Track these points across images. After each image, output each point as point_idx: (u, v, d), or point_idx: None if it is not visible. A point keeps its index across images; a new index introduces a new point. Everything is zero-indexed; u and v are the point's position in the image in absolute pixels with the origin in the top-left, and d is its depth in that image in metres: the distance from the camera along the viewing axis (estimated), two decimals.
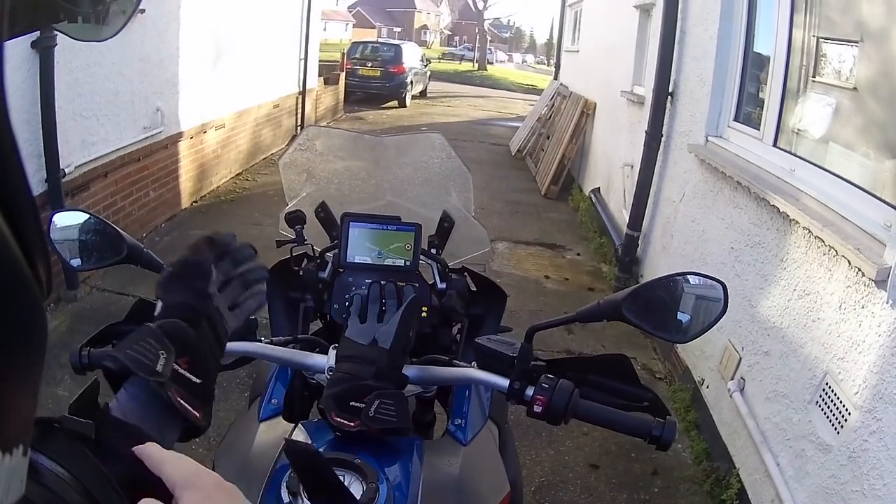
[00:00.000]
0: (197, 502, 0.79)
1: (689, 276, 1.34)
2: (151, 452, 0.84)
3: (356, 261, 1.81)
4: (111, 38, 0.78)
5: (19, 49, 4.35)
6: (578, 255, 7.75)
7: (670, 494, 3.75)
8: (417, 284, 1.81)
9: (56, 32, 4.37)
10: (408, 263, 1.80)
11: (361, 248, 1.81)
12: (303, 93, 12.56)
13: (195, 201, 8.14)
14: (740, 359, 3.77)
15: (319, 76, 14.36)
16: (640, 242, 6.46)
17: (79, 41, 0.76)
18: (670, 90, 5.86)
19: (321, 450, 1.36)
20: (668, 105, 5.92)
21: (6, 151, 0.40)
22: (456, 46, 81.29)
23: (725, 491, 3.59)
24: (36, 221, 0.42)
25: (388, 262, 1.80)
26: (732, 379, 3.81)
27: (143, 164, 6.60)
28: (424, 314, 1.83)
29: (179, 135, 7.43)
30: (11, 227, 0.39)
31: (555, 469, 3.89)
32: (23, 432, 0.45)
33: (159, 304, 1.05)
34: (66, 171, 4.98)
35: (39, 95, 4.56)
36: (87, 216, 1.55)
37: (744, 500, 3.46)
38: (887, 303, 2.44)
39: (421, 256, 1.85)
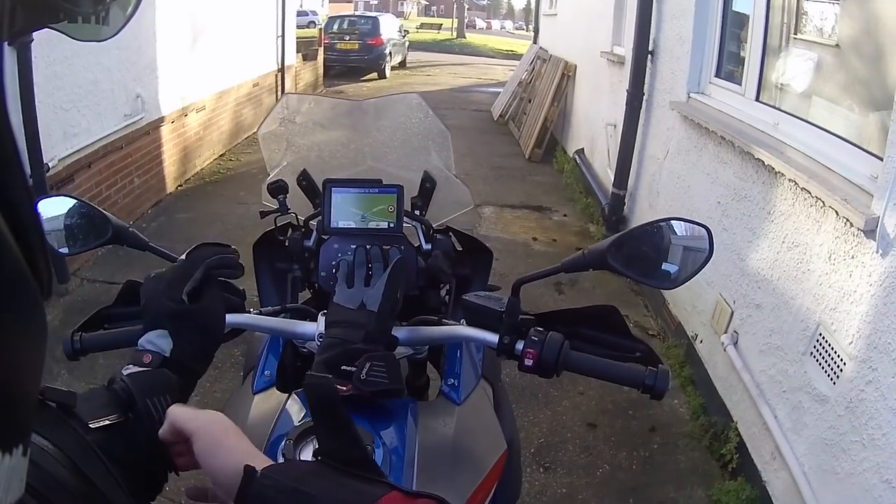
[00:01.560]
0: (206, 443, 0.91)
1: (673, 223, 1.33)
2: (174, 411, 0.96)
3: (340, 226, 1.79)
4: (111, 37, 0.78)
5: (5, 60, 4.30)
6: (565, 216, 7.77)
7: (669, 451, 3.78)
8: (403, 247, 1.79)
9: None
10: (392, 225, 1.78)
11: (345, 213, 1.79)
12: (282, 70, 12.49)
13: (180, 185, 8.10)
14: (732, 312, 3.79)
15: (297, 52, 14.27)
16: (626, 201, 6.48)
17: (79, 41, 0.75)
18: (650, 49, 5.85)
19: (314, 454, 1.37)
20: (649, 64, 5.91)
21: (6, 151, 0.40)
22: (433, 16, 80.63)
23: (724, 445, 3.62)
24: (35, 220, 0.43)
25: (372, 224, 1.78)
26: (725, 333, 3.83)
27: (126, 151, 6.56)
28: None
29: (161, 120, 7.38)
30: (11, 227, 0.40)
31: (553, 430, 3.92)
32: (22, 432, 0.45)
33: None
34: (50, 164, 4.95)
35: (19, 91, 4.52)
36: (71, 201, 1.55)
37: (743, 453, 3.49)
38: (877, 252, 2.45)
39: (405, 218, 1.83)
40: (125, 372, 1.01)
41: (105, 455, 0.84)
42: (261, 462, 0.88)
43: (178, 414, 0.95)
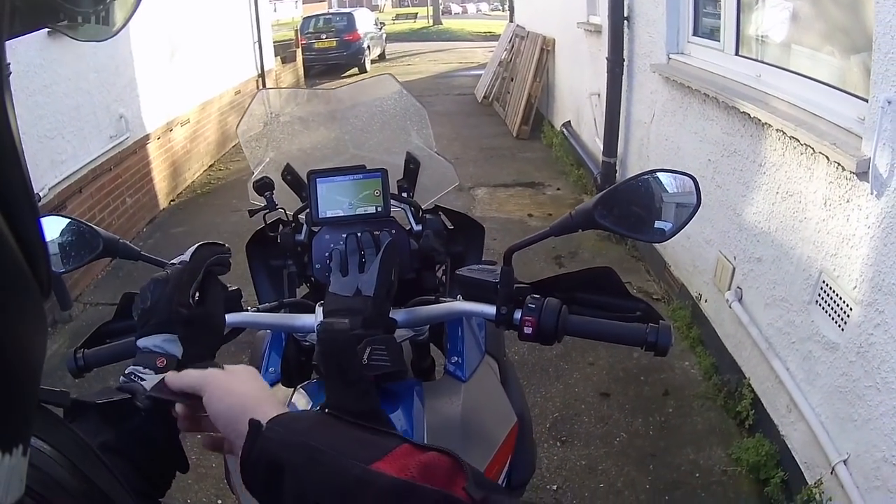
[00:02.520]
0: (214, 393, 0.91)
1: (658, 175, 1.31)
2: (170, 379, 0.96)
3: (328, 216, 1.79)
4: (111, 38, 0.78)
5: (5, 60, 4.30)
6: (558, 189, 7.78)
7: (685, 413, 3.79)
8: (393, 230, 1.79)
9: (8, 62, 4.33)
10: (380, 209, 1.78)
11: (332, 202, 1.79)
12: (262, 75, 12.49)
13: (172, 200, 8.10)
14: (734, 269, 3.79)
15: (276, 56, 14.25)
16: (617, 168, 6.48)
17: (79, 41, 0.75)
18: (626, 15, 5.84)
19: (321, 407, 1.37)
20: (626, 30, 5.90)
21: (7, 152, 0.40)
22: (408, 6, 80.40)
23: (739, 402, 3.62)
24: (35, 222, 0.43)
25: (360, 210, 1.78)
26: (729, 290, 3.83)
27: (116, 172, 6.56)
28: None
29: (146, 137, 7.37)
30: (11, 228, 0.40)
31: (567, 403, 3.92)
32: (22, 432, 0.45)
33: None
34: (41, 194, 4.95)
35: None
36: (62, 221, 1.55)
37: (759, 409, 3.50)
38: (871, 193, 2.44)
39: (393, 201, 1.84)
40: (139, 378, 1.01)
41: (118, 453, 0.84)
42: (270, 410, 0.87)
43: (187, 372, 0.95)
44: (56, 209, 5.28)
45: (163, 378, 0.96)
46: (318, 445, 0.81)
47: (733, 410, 3.67)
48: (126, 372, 1.05)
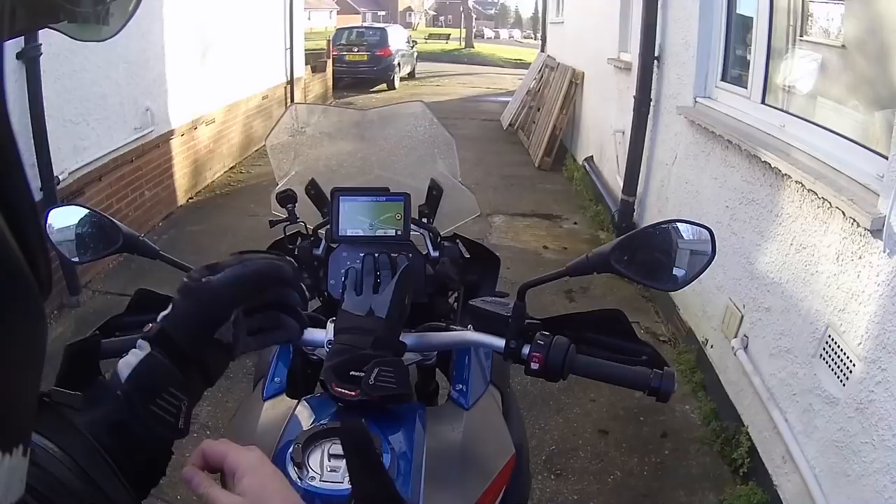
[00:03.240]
0: (255, 486, 0.86)
1: (678, 226, 1.32)
2: (212, 445, 0.93)
3: (348, 234, 1.80)
4: (111, 38, 0.78)
5: (5, 60, 4.34)
6: (575, 223, 7.76)
7: (681, 456, 3.77)
8: (411, 254, 1.81)
9: (40, 43, 4.36)
10: (399, 233, 1.80)
11: (353, 221, 1.80)
12: (291, 82, 12.55)
13: (191, 198, 8.14)
14: (742, 317, 3.78)
15: (306, 65, 14.34)
16: (635, 207, 6.47)
17: (79, 41, 0.75)
18: (656, 54, 5.85)
19: (324, 422, 1.37)
20: (655, 69, 5.90)
21: (6, 151, 0.41)
22: (441, 26, 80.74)
23: (736, 450, 3.60)
24: (35, 221, 0.43)
25: (380, 232, 1.80)
26: (736, 337, 3.82)
27: (137, 164, 6.60)
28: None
29: (171, 133, 7.43)
30: (11, 227, 0.40)
31: (564, 437, 3.91)
32: (23, 432, 0.45)
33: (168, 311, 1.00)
34: (61, 177, 4.98)
35: (28, 105, 4.55)
36: (81, 211, 1.55)
37: (754, 457, 3.48)
38: (884, 251, 2.44)
39: (413, 226, 1.85)
40: (121, 369, 0.93)
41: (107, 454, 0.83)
42: None
43: (219, 449, 0.92)
44: (74, 194, 5.32)
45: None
46: None
47: (729, 457, 3.65)
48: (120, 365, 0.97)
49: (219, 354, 1.00)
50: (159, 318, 0.98)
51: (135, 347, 0.93)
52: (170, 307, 0.99)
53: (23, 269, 0.41)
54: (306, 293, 1.09)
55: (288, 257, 1.13)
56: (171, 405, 0.90)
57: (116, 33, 0.78)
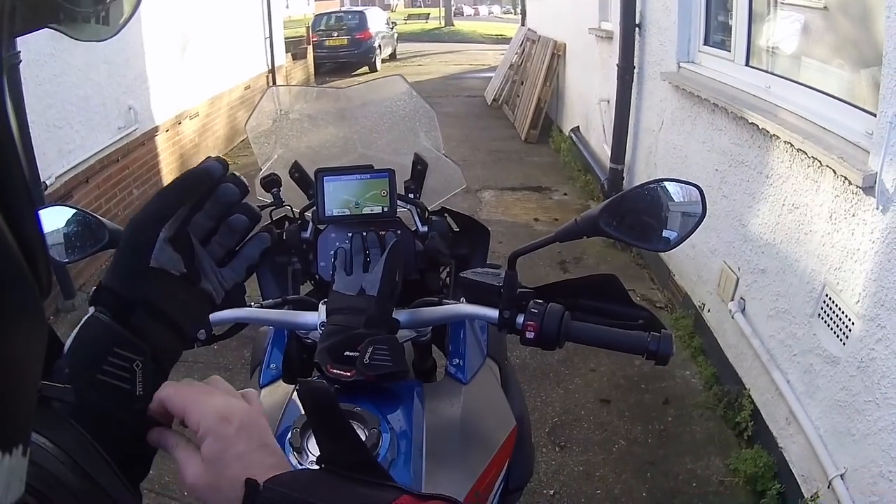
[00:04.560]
0: (215, 451, 0.80)
1: (666, 185, 1.31)
2: (170, 396, 0.82)
3: (335, 214, 1.79)
4: (111, 38, 0.77)
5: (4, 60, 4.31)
6: (565, 194, 7.78)
7: (684, 422, 3.78)
8: (399, 230, 1.81)
9: (18, 51, 4.33)
10: (386, 210, 1.78)
11: (338, 201, 1.79)
12: (272, 71, 12.52)
13: None
14: (738, 279, 3.79)
15: (287, 53, 14.28)
16: (624, 175, 6.48)
17: (79, 41, 0.74)
18: (637, 22, 5.85)
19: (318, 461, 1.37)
20: (637, 37, 5.90)
21: (5, 150, 0.40)
22: (420, 6, 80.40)
23: (739, 413, 3.61)
24: (35, 221, 0.43)
25: (367, 210, 1.78)
26: (732, 300, 3.83)
27: (123, 163, 6.57)
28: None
29: (155, 130, 7.40)
30: (11, 227, 0.40)
31: (566, 408, 3.92)
32: (22, 432, 0.45)
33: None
34: (48, 182, 4.96)
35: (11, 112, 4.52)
36: (69, 211, 1.55)
37: (758, 420, 3.49)
38: (877, 209, 2.43)
39: (399, 202, 1.84)
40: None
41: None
42: (265, 465, 0.81)
43: (178, 400, 0.82)
44: (63, 198, 5.29)
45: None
46: (319, 503, 0.78)
47: (733, 421, 3.66)
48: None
49: (172, 289, 0.88)
50: None
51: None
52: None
53: (23, 269, 0.41)
54: (246, 185, 0.92)
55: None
56: (119, 368, 0.81)
57: (116, 33, 0.77)
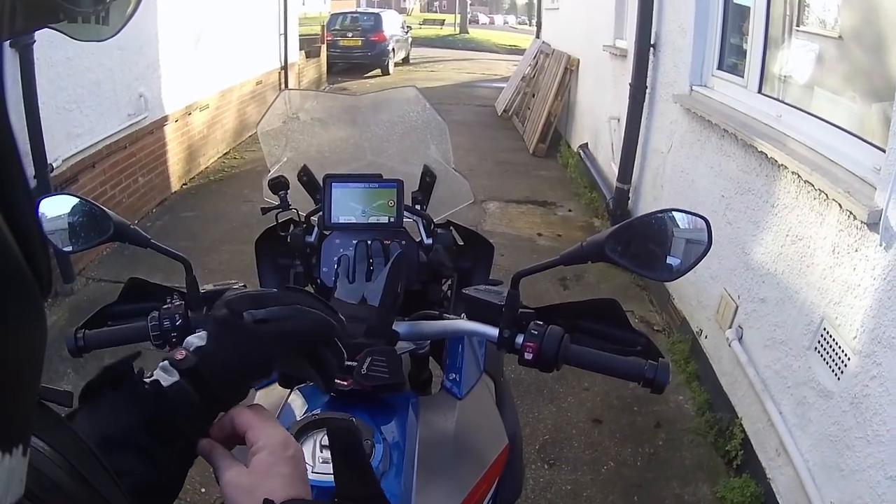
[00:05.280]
0: (266, 464, 0.86)
1: (674, 215, 1.30)
2: (242, 414, 0.92)
3: (341, 221, 1.80)
4: (111, 37, 0.78)
5: (5, 59, 4.32)
6: (570, 211, 7.76)
7: (674, 447, 3.77)
8: (404, 241, 1.81)
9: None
10: (392, 220, 1.80)
11: (345, 208, 1.80)
12: (285, 67, 12.52)
13: (184, 184, 8.12)
14: (737, 307, 3.78)
15: (301, 50, 14.30)
16: (630, 195, 6.47)
17: (78, 41, 0.75)
18: (652, 42, 5.84)
19: (317, 412, 1.38)
20: (651, 57, 5.90)
21: (5, 150, 0.40)
22: (436, 11, 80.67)
23: (729, 441, 3.61)
24: (35, 220, 0.42)
25: (373, 219, 1.80)
26: (730, 328, 3.82)
27: (130, 151, 6.58)
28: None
29: (164, 119, 7.41)
30: (10, 227, 0.40)
31: (558, 426, 3.91)
32: (22, 432, 0.45)
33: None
34: (54, 164, 4.96)
35: (21, 92, 4.53)
36: (73, 200, 1.54)
37: (748, 449, 3.48)
38: (880, 245, 2.43)
39: (406, 213, 1.85)
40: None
41: (127, 448, 0.82)
42: (285, 489, 0.86)
43: (248, 420, 0.92)
44: (68, 181, 5.31)
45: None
46: None
47: (723, 448, 3.65)
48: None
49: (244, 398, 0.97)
50: (191, 345, 0.94)
51: (163, 365, 0.91)
52: (206, 338, 0.95)
53: (22, 269, 0.41)
54: (345, 355, 1.04)
55: (340, 316, 1.05)
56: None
57: (116, 33, 0.77)
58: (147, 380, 0.88)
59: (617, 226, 1.31)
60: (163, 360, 0.92)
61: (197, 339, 0.95)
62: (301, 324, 0.98)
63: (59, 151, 5.17)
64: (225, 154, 9.61)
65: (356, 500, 0.92)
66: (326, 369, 1.05)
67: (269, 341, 0.95)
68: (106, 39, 0.78)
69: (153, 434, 0.84)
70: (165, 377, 0.89)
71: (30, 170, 4.69)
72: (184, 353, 0.93)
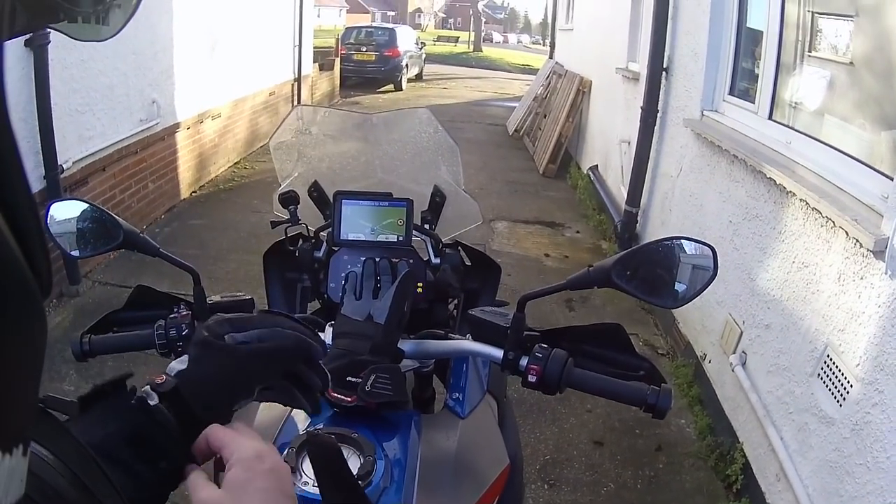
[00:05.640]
0: (241, 480, 0.84)
1: (682, 243, 1.32)
2: (214, 432, 0.90)
3: (350, 238, 1.82)
4: (111, 37, 0.78)
5: (13, 47, 4.35)
6: (578, 232, 7.75)
7: (675, 470, 3.76)
8: (412, 260, 1.82)
9: (48, 31, 4.36)
10: (401, 239, 1.81)
11: (354, 225, 1.81)
12: (298, 79, 12.54)
13: (194, 191, 8.14)
14: (741, 332, 3.78)
15: (314, 62, 14.34)
16: (638, 218, 6.47)
17: (78, 41, 0.75)
18: (665, 65, 5.85)
19: (320, 426, 1.38)
20: (663, 80, 5.90)
21: (6, 150, 0.40)
22: (450, 28, 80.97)
23: (730, 466, 3.60)
24: (35, 219, 0.42)
25: (382, 238, 1.81)
26: (734, 353, 3.81)
27: (141, 156, 6.60)
28: (420, 290, 1.84)
29: (176, 126, 7.42)
30: (11, 227, 0.40)
31: (559, 447, 3.90)
32: (23, 432, 0.45)
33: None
34: (65, 166, 4.98)
35: (35, 93, 4.56)
36: (83, 205, 1.54)
37: (748, 474, 3.47)
38: (886, 273, 2.44)
39: (414, 232, 1.86)
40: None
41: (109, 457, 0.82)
42: None
43: (221, 437, 0.90)
44: (78, 183, 5.33)
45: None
46: None
47: (723, 473, 3.64)
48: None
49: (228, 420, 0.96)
50: (173, 370, 0.94)
51: (144, 389, 0.90)
52: (186, 361, 0.95)
53: (23, 270, 0.41)
54: (329, 377, 1.04)
55: (319, 335, 1.06)
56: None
57: (116, 33, 0.78)
58: (136, 396, 0.88)
59: (624, 252, 1.33)
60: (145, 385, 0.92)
61: (178, 364, 0.95)
62: (280, 344, 0.98)
63: (70, 153, 5.18)
64: (235, 163, 9.62)
65: None
66: (311, 391, 1.05)
67: (250, 362, 0.95)
68: (106, 39, 0.78)
69: (136, 450, 0.84)
70: (152, 396, 0.89)
71: (40, 170, 4.71)
72: (164, 377, 0.92)
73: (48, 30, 0.66)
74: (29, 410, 0.46)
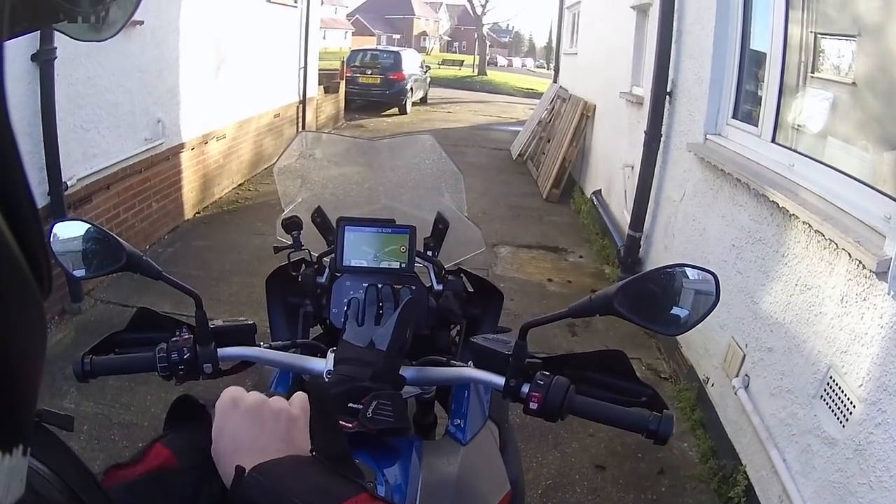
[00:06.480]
0: (217, 427, 0.94)
1: (685, 270, 1.32)
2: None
3: (352, 264, 1.82)
4: (111, 38, 0.79)
5: (19, 62, 4.38)
6: (581, 257, 7.74)
7: (677, 493, 3.74)
8: (414, 287, 1.82)
9: (55, 46, 4.39)
10: (403, 266, 1.82)
11: (357, 251, 1.82)
12: (303, 101, 12.58)
13: (198, 212, 8.15)
14: (744, 356, 3.77)
15: (319, 85, 14.39)
16: (642, 243, 6.47)
17: (78, 41, 0.76)
18: (668, 90, 5.87)
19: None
20: (667, 105, 5.92)
21: (6, 151, 0.40)
22: (455, 52, 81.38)
23: (733, 488, 3.58)
24: (36, 221, 0.43)
25: (384, 264, 1.82)
26: (737, 376, 3.80)
27: (145, 175, 6.61)
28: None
29: (181, 146, 7.45)
30: (11, 227, 0.40)
31: (561, 471, 3.88)
32: (23, 432, 0.45)
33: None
34: (69, 183, 4.99)
35: (40, 108, 4.58)
36: (86, 226, 1.54)
37: (751, 496, 3.46)
38: (888, 294, 2.44)
39: (417, 258, 1.86)
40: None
41: None
42: (256, 456, 0.90)
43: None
44: (82, 201, 5.35)
45: None
46: (286, 493, 0.87)
47: (726, 496, 3.62)
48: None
49: None
50: None
51: None
52: None
53: (23, 270, 0.41)
54: None
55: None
56: None
57: (116, 34, 0.78)
58: None
59: (626, 280, 1.33)
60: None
61: None
62: None
63: (75, 170, 5.20)
64: (239, 185, 9.64)
65: (327, 457, 0.95)
66: None
67: None
68: (105, 39, 0.79)
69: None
70: None
71: (44, 187, 4.72)
72: None
73: (51, 31, 0.67)
74: (29, 411, 0.46)
